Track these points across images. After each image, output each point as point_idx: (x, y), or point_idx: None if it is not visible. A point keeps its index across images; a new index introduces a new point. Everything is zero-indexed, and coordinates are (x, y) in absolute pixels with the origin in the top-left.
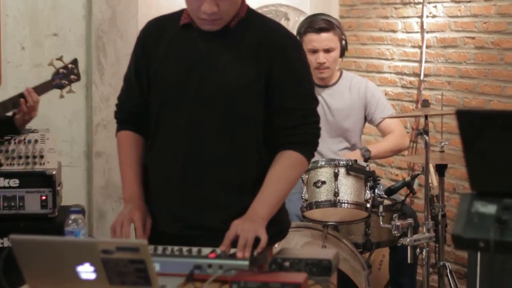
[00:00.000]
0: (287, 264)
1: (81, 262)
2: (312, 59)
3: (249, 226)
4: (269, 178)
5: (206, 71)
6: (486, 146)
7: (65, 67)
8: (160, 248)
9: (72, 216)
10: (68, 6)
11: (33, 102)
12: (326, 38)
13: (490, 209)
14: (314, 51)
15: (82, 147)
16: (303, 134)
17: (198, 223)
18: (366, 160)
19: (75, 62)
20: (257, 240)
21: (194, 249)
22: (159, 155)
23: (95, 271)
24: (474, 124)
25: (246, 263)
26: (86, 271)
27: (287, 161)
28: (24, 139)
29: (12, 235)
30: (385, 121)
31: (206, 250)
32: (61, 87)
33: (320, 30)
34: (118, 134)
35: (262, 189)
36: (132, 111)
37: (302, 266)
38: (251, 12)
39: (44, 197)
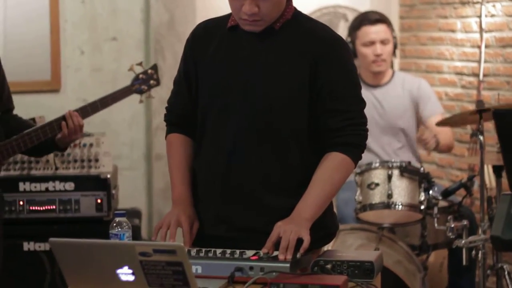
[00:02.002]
0: (329, 266)
1: (120, 265)
2: (368, 51)
3: (291, 228)
4: (314, 180)
5: (251, 73)
6: None
7: (145, 72)
8: (203, 251)
9: (117, 219)
10: (126, 10)
11: (74, 125)
12: (382, 30)
13: None
14: (371, 43)
15: (142, 150)
16: (350, 135)
17: (242, 225)
18: (436, 147)
19: (154, 67)
20: (300, 242)
21: (237, 252)
22: (204, 157)
23: (134, 273)
24: (511, 124)
25: (287, 265)
26: (126, 273)
27: (332, 163)
28: (80, 143)
29: (52, 239)
30: (434, 117)
31: (249, 253)
32: (140, 92)
33: (376, 21)
34: (168, 137)
35: (307, 191)
36: (181, 114)
37: (344, 269)
38: (297, 14)
39: (99, 200)
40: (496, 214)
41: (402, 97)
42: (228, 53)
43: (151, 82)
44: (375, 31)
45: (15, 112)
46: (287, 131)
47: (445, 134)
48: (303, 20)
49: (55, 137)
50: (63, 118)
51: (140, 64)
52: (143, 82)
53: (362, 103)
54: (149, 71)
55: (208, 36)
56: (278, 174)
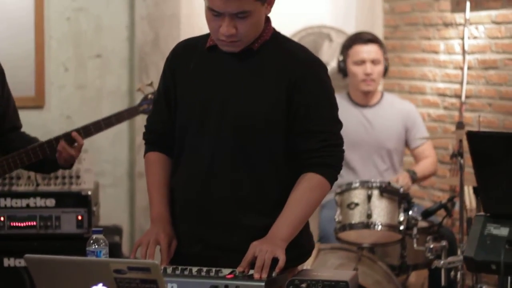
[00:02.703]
0: (304, 285)
1: (95, 282)
2: (359, 70)
3: (267, 248)
4: (290, 201)
5: (229, 94)
6: (498, 168)
7: (154, 92)
8: (179, 269)
9: (94, 236)
10: (111, 28)
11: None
12: (374, 50)
13: (502, 231)
14: (362, 62)
15: (125, 168)
16: (326, 156)
17: (218, 244)
18: (413, 182)
19: None
20: (275, 262)
21: (213, 270)
22: (181, 176)
23: None
24: (485, 146)
25: (262, 284)
26: None
27: (308, 184)
28: None
29: (27, 255)
30: (422, 147)
31: (225, 271)
32: (148, 112)
33: (368, 41)
34: (146, 156)
35: (283, 211)
36: (160, 132)
37: None
38: (276, 34)
39: (80, 217)
40: (469, 235)
41: (392, 119)
42: (207, 73)
43: None
44: (367, 51)
45: None
46: (263, 151)
47: (424, 165)
48: (281, 41)
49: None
50: (58, 139)
51: (150, 84)
52: (152, 103)
53: (339, 125)
54: None
55: (188, 55)
56: (254, 193)
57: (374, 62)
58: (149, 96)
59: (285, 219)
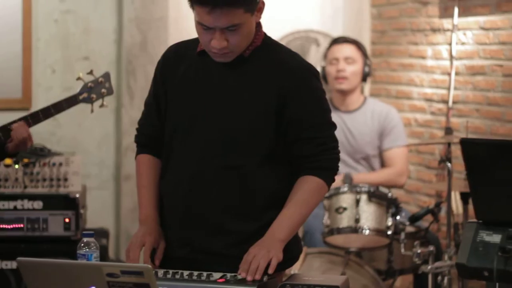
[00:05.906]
0: None
1: (87, 285)
2: (332, 69)
3: (264, 253)
4: (289, 202)
5: (218, 99)
6: (491, 175)
7: (95, 81)
8: (170, 272)
9: (85, 240)
10: (99, 30)
11: (18, 140)
12: (347, 49)
13: (495, 238)
14: (336, 60)
15: (111, 170)
16: (324, 160)
17: (204, 248)
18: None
19: (106, 75)
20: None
21: (204, 274)
22: (169, 179)
23: None
24: (478, 154)
25: None
26: None
27: (309, 186)
28: (49, 162)
29: (19, 258)
30: (390, 152)
31: (216, 275)
32: (89, 101)
33: (343, 41)
34: (137, 158)
35: (282, 212)
36: (151, 135)
37: None
38: (267, 40)
39: (67, 220)
40: (461, 242)
41: (370, 125)
42: (197, 78)
43: (102, 90)
44: (340, 49)
45: None
46: (250, 157)
47: (375, 175)
48: (272, 48)
49: (4, 143)
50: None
51: (90, 72)
52: (92, 91)
53: (333, 127)
54: (100, 79)
55: (178, 59)
56: (240, 199)
57: (347, 60)
58: (89, 84)
59: (284, 220)
